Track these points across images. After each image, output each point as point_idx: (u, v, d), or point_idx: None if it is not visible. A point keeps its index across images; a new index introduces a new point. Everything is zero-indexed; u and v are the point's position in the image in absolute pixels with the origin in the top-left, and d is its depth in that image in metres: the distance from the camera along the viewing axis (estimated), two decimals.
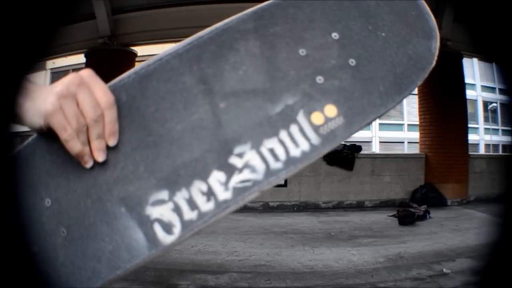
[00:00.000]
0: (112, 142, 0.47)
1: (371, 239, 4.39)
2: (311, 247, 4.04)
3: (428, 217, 5.50)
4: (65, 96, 0.45)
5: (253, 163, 0.47)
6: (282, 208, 6.59)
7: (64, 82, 0.46)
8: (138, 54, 7.40)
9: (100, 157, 0.47)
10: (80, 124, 0.45)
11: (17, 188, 0.50)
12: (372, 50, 0.49)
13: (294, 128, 0.47)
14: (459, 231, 4.73)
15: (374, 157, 7.52)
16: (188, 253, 3.79)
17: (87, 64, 7.10)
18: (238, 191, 0.47)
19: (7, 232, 0.49)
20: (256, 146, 0.47)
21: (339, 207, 6.71)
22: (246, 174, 0.47)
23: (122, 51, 6.91)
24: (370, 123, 0.49)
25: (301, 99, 0.48)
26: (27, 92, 0.47)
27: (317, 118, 0.47)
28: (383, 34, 0.49)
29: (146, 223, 0.46)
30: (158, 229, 0.46)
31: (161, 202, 0.47)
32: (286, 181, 6.62)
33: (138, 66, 0.50)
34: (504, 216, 0.87)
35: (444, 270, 3.22)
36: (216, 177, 0.47)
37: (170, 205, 0.47)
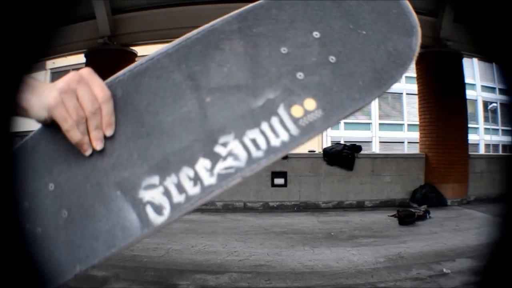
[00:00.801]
0: (109, 133, 0.52)
1: (371, 239, 4.39)
2: (311, 247, 4.04)
3: (428, 217, 5.50)
4: (66, 91, 0.50)
5: (236, 152, 0.51)
6: (282, 208, 6.59)
7: (65, 79, 0.51)
8: (138, 54, 7.40)
9: (98, 145, 0.52)
10: (80, 116, 0.50)
11: (24, 174, 0.55)
12: (352, 48, 0.52)
13: (275, 120, 0.51)
14: (459, 231, 4.72)
15: (374, 157, 7.52)
16: (188, 253, 3.80)
17: (87, 64, 7.09)
18: (222, 177, 0.50)
19: (13, 216, 0.53)
20: (239, 136, 0.51)
21: (339, 207, 6.71)
22: (229, 162, 0.50)
23: (122, 51, 6.91)
24: (348, 115, 0.52)
25: (282, 93, 0.51)
26: (33, 88, 0.52)
27: (297, 111, 0.51)
28: (364, 32, 0.52)
29: (139, 205, 0.51)
30: (149, 210, 0.51)
31: (152, 186, 0.51)
32: (286, 181, 6.62)
33: (132, 65, 0.54)
34: (504, 216, 0.87)
35: (444, 270, 3.21)
36: (202, 164, 0.51)
37: (160, 189, 0.51)
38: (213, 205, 6.34)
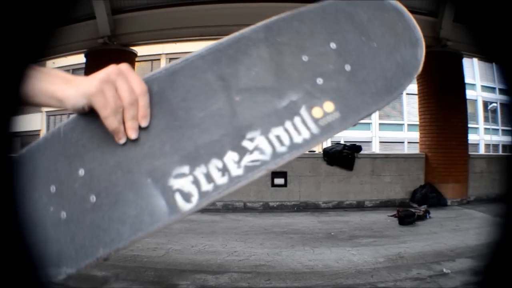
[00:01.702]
0: (144, 124, 0.55)
1: (371, 239, 4.39)
2: (311, 247, 4.04)
3: (428, 217, 5.50)
4: (106, 81, 0.53)
5: (262, 146, 0.55)
6: (282, 208, 6.59)
7: (105, 71, 0.54)
8: (138, 54, 7.39)
9: (133, 135, 0.55)
10: (118, 105, 0.53)
11: (53, 159, 0.57)
12: (365, 58, 0.58)
13: (297, 120, 0.56)
14: (459, 231, 4.72)
15: (374, 157, 7.52)
16: (188, 253, 3.80)
17: (87, 64, 7.09)
18: (248, 169, 0.55)
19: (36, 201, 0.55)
20: (265, 133, 0.56)
21: (339, 207, 6.71)
22: (256, 155, 0.55)
23: (122, 51, 6.91)
24: (363, 118, 0.57)
25: (304, 96, 0.57)
26: (69, 80, 0.56)
27: (317, 112, 0.56)
28: (375, 44, 0.58)
29: (168, 192, 0.54)
30: (178, 198, 0.54)
31: (182, 175, 0.55)
32: (286, 181, 6.62)
33: (168, 64, 0.59)
34: (504, 216, 0.87)
35: (444, 270, 3.22)
36: (231, 157, 0.55)
37: (190, 178, 0.55)
38: (213, 205, 6.33)
